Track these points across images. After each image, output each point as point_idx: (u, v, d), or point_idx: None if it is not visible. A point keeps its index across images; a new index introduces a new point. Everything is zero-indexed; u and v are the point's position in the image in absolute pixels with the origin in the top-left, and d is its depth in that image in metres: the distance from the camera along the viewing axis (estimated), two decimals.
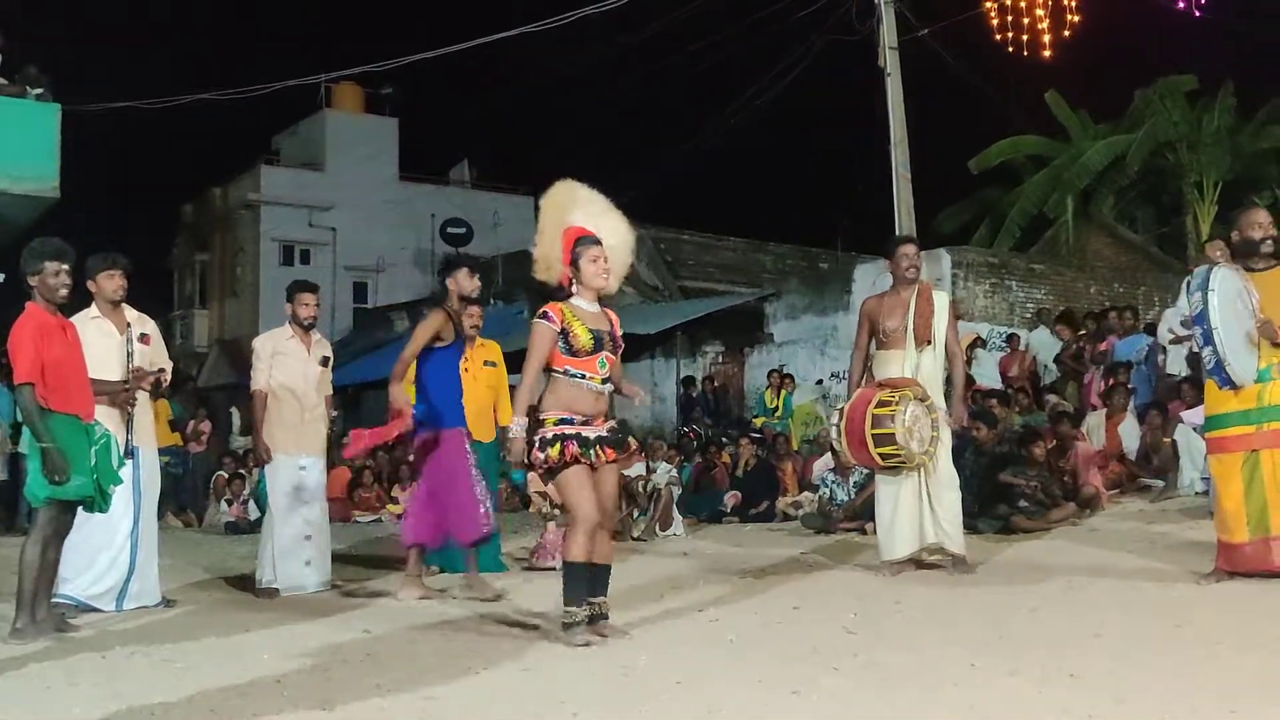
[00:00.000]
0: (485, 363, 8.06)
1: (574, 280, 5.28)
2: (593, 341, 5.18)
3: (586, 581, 5.13)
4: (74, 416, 5.57)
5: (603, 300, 5.39)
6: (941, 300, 6.96)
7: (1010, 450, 9.55)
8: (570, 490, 5.15)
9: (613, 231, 5.46)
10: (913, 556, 6.84)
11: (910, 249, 6.97)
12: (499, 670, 4.61)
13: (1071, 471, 9.46)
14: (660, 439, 12.53)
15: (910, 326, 6.79)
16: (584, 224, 5.36)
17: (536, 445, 5.14)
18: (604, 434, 5.21)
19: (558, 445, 5.09)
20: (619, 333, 5.37)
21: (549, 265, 5.34)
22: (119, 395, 6.23)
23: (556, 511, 8.05)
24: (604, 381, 5.26)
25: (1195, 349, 6.01)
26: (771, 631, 5.31)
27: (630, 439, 5.41)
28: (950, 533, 6.79)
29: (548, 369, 5.22)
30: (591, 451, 5.12)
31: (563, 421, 5.13)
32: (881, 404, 6.59)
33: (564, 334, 5.16)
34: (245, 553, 9.01)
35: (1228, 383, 5.83)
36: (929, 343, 6.79)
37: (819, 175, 36.91)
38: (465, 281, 6.80)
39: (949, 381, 7.09)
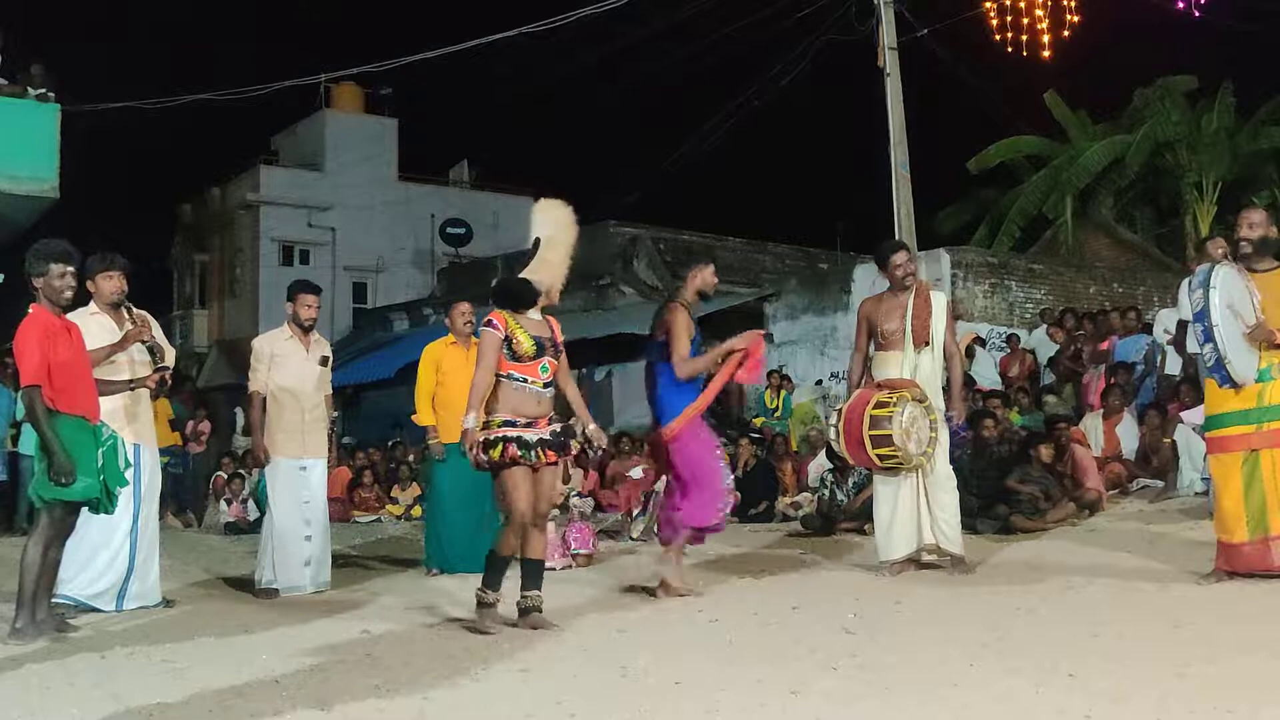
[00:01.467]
0: None
1: None
2: (535, 347, 5.48)
3: (503, 572, 5.50)
4: (81, 418, 5.57)
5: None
6: (939, 301, 6.95)
7: (1012, 451, 9.54)
8: (507, 489, 5.45)
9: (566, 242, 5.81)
10: (911, 556, 6.85)
11: (901, 256, 6.97)
12: (497, 671, 4.61)
13: (1072, 474, 9.45)
14: None
15: (908, 328, 6.80)
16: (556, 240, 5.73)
17: (480, 446, 5.41)
18: (545, 436, 5.49)
19: (499, 446, 5.38)
20: (560, 338, 5.68)
21: (551, 290, 5.65)
22: (141, 381, 6.30)
23: (556, 511, 8.05)
24: (546, 385, 5.54)
25: (1196, 347, 5.99)
26: (770, 632, 5.31)
27: (573, 442, 5.62)
28: (948, 533, 6.80)
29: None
30: (532, 453, 5.41)
31: (506, 424, 5.42)
32: (879, 405, 6.59)
33: (508, 340, 5.45)
34: (245, 553, 9.02)
35: (1228, 381, 5.81)
36: (927, 343, 6.79)
37: (818, 175, 36.96)
38: (709, 276, 6.70)
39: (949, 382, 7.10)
